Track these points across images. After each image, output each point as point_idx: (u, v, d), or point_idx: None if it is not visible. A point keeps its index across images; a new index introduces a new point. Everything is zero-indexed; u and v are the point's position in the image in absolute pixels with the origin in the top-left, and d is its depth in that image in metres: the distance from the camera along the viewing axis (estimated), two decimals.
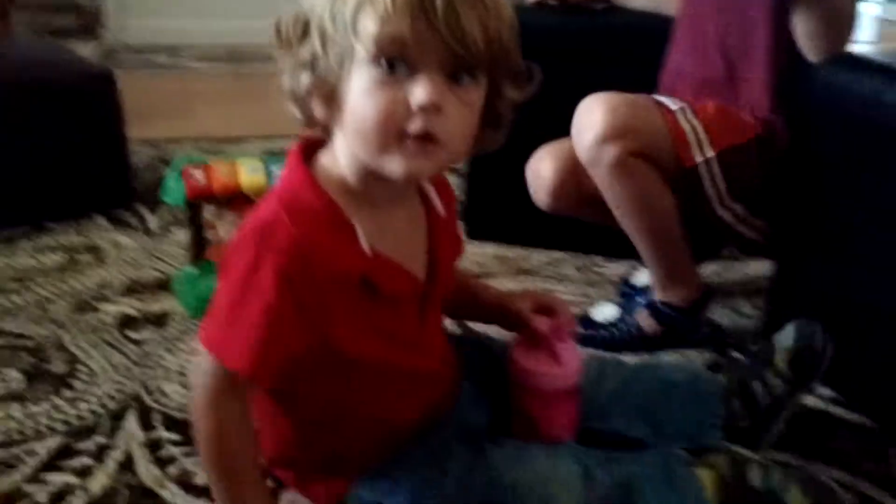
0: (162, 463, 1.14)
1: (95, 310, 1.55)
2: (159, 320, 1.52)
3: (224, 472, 0.91)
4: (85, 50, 3.27)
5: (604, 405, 1.13)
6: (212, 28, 3.92)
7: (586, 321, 1.52)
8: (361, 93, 0.82)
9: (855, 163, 1.27)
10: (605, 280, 1.73)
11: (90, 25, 3.90)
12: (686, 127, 1.35)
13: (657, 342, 1.46)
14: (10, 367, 1.35)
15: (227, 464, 0.90)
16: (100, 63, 2.74)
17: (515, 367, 1.07)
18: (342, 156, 0.90)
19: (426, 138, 0.82)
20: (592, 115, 1.32)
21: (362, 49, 0.81)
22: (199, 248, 1.61)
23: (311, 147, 0.93)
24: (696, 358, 1.44)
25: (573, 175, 1.41)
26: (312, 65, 0.85)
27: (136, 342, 1.44)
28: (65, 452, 1.15)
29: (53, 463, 1.13)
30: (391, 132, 0.82)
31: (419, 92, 0.80)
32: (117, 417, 1.23)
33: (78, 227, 1.92)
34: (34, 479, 1.10)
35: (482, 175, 1.86)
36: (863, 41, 3.81)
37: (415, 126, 0.81)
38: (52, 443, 1.17)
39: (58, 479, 1.10)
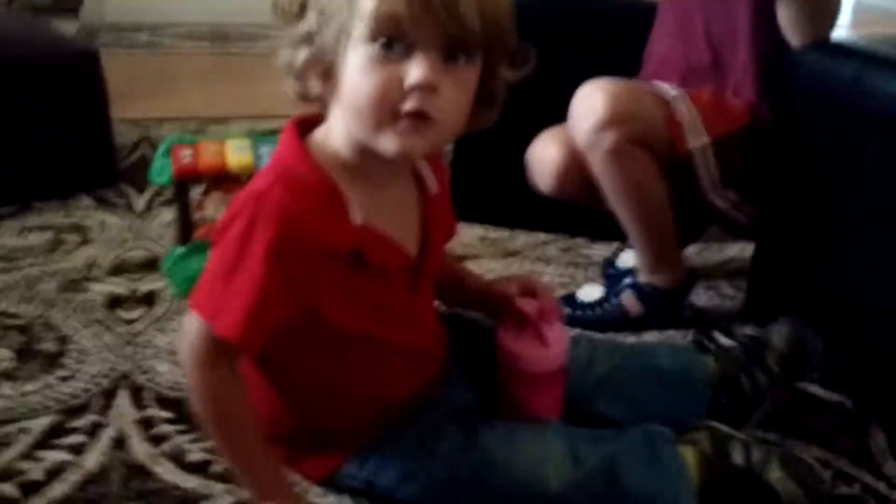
0: (155, 440, 1.15)
1: (84, 289, 1.55)
2: (148, 300, 1.52)
3: (226, 436, 0.93)
4: (64, 28, 3.24)
5: (591, 390, 1.16)
6: (194, 7, 3.89)
7: (572, 301, 1.54)
8: (358, 70, 0.84)
9: (836, 147, 1.29)
10: (590, 262, 1.75)
11: (70, 3, 3.86)
12: (682, 114, 1.37)
13: (641, 323, 1.49)
14: (1, 346, 1.35)
15: (226, 427, 0.92)
16: (82, 41, 2.72)
17: (502, 350, 1.08)
18: (338, 131, 0.91)
19: (420, 117, 0.84)
20: (593, 101, 1.33)
21: (359, 27, 0.82)
22: (187, 228, 1.62)
23: (306, 124, 0.95)
24: (678, 338, 1.47)
25: (577, 160, 1.42)
26: (310, 40, 0.86)
27: (125, 321, 1.45)
28: (58, 430, 1.16)
29: (47, 441, 1.14)
30: (386, 110, 0.84)
31: (415, 71, 0.82)
32: (109, 395, 1.24)
33: (63, 206, 1.91)
34: (28, 456, 1.11)
35: (467, 156, 1.87)
36: (841, 26, 3.84)
37: (409, 105, 0.83)
38: (46, 421, 1.18)
39: (52, 456, 1.11)
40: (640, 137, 1.34)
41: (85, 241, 1.76)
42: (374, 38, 0.82)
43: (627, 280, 1.52)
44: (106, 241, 1.76)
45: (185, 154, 1.54)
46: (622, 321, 1.49)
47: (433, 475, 1.01)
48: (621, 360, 1.20)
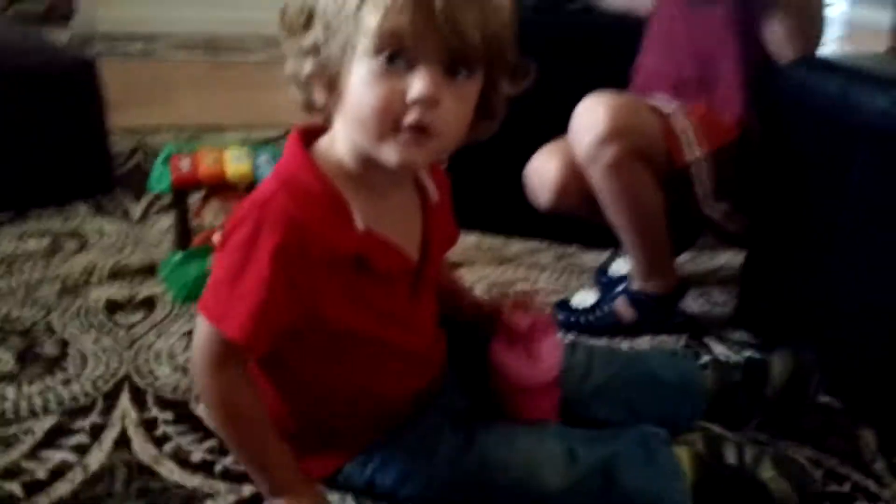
0: (157, 441, 1.16)
1: (83, 294, 1.56)
2: (147, 304, 1.54)
3: (239, 436, 0.95)
4: (55, 36, 3.25)
5: (588, 397, 1.17)
6: (187, 17, 3.90)
7: (566, 307, 1.56)
8: (361, 83, 0.86)
9: (823, 160, 1.32)
10: (583, 269, 1.77)
11: (62, 13, 3.87)
12: (679, 128, 1.41)
13: (634, 329, 1.51)
14: (2, 350, 1.37)
15: (239, 427, 0.94)
16: (78, 50, 2.74)
17: (494, 362, 1.09)
18: (341, 140, 0.93)
19: (421, 130, 0.86)
20: (594, 115, 1.35)
21: (364, 41, 0.84)
22: (185, 234, 1.64)
23: (310, 133, 0.97)
24: (671, 344, 1.49)
25: (575, 176, 1.44)
26: (315, 52, 0.88)
27: (124, 326, 1.46)
28: (61, 431, 1.17)
29: (50, 441, 1.15)
30: (388, 122, 0.86)
31: (417, 85, 0.84)
32: (110, 398, 1.25)
33: (61, 213, 1.92)
34: (32, 456, 1.12)
35: (461, 164, 1.88)
36: (830, 42, 3.90)
37: (411, 118, 0.85)
38: (48, 422, 1.19)
39: (56, 456, 1.12)
40: (640, 151, 1.37)
41: (83, 248, 1.77)
42: (377, 52, 0.84)
43: (620, 287, 1.55)
44: (104, 248, 1.77)
45: (184, 163, 1.57)
46: (616, 327, 1.52)
47: (434, 476, 1.03)
48: (618, 369, 1.21)
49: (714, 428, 1.18)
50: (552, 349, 1.10)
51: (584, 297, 1.58)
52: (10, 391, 1.26)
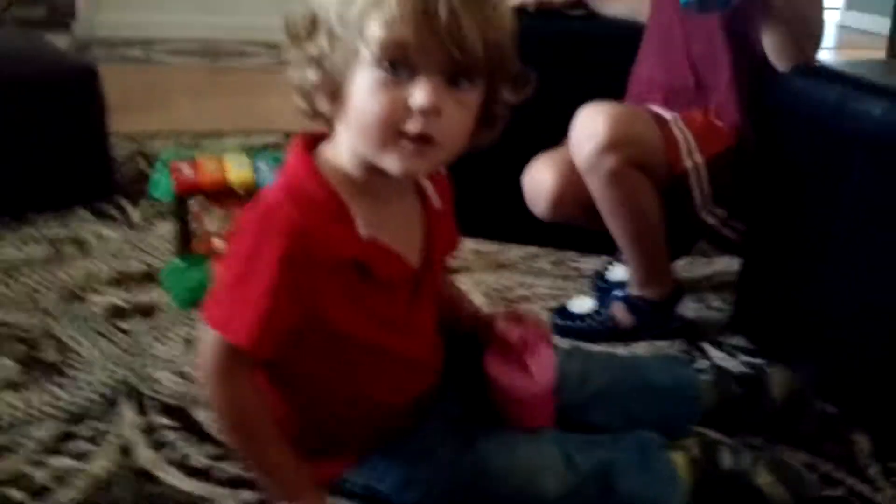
0: (159, 447, 1.17)
1: (83, 300, 1.57)
2: (147, 311, 1.55)
3: (247, 442, 0.96)
4: (56, 43, 3.25)
5: (584, 403, 1.18)
6: (185, 22, 3.91)
7: (563, 312, 1.57)
8: (364, 92, 0.87)
9: (819, 168, 1.33)
10: (580, 274, 1.78)
11: (61, 18, 3.88)
12: (678, 136, 1.42)
13: (631, 334, 1.52)
14: (4, 356, 1.37)
15: (246, 433, 0.95)
16: (80, 57, 2.75)
17: (489, 374, 1.10)
18: (344, 148, 0.94)
19: (423, 139, 0.87)
20: (594, 124, 1.36)
21: (367, 51, 0.85)
22: (186, 240, 1.64)
23: (313, 140, 0.98)
24: (668, 349, 1.50)
25: (573, 185, 1.45)
26: (319, 61, 0.89)
27: (125, 332, 1.47)
28: (63, 437, 1.18)
29: (53, 447, 1.16)
30: (390, 131, 0.87)
31: (419, 95, 0.85)
32: (112, 404, 1.26)
33: (61, 219, 1.93)
34: (35, 461, 1.13)
35: (460, 171, 1.89)
36: (826, 48, 3.92)
37: (413, 127, 0.86)
38: (50, 428, 1.20)
39: (58, 462, 1.13)
40: (640, 159, 1.38)
41: (83, 254, 1.78)
42: (380, 62, 0.85)
43: (618, 292, 1.56)
44: (104, 254, 1.78)
45: (185, 169, 1.57)
46: (613, 332, 1.53)
47: (434, 482, 1.04)
48: (616, 374, 1.22)
49: (710, 433, 1.19)
50: (546, 362, 1.10)
51: (582, 303, 1.59)
52: (13, 397, 1.27)
